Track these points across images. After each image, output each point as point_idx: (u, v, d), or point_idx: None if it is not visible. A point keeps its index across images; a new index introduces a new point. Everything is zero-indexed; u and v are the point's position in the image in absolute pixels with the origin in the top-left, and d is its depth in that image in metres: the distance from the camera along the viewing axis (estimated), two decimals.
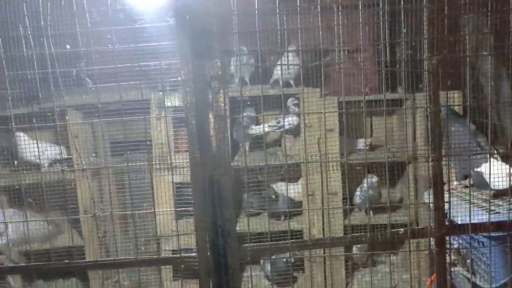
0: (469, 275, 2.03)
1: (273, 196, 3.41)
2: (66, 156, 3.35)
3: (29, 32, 1.58)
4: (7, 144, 3.33)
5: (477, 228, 1.68)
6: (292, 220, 3.32)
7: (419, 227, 1.72)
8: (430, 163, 1.60)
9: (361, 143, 3.55)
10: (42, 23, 1.57)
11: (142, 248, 3.73)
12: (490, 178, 2.05)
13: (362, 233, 1.71)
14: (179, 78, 1.60)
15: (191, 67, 1.57)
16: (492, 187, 2.05)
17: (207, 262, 1.63)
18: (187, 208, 3.16)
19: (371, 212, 3.22)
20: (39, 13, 1.56)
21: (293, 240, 1.72)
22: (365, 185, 3.28)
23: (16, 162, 3.21)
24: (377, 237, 1.66)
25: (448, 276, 2.05)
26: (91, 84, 1.75)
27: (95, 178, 3.43)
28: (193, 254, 1.66)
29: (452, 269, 2.20)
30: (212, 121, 1.60)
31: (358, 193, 3.36)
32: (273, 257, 3.26)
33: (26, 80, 1.70)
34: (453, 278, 2.21)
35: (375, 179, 3.22)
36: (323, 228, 3.29)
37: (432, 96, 1.60)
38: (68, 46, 1.69)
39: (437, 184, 1.61)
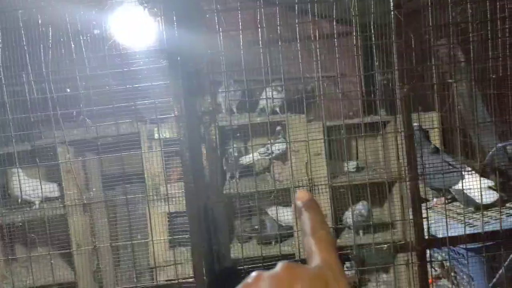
0: None
1: (261, 223, 3.49)
2: (58, 194, 3.43)
3: (32, 78, 1.70)
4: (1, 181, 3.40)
5: (455, 241, 1.80)
6: (284, 244, 3.41)
7: (400, 242, 1.85)
8: (408, 183, 1.74)
9: (347, 166, 3.70)
10: (43, 69, 1.70)
11: (135, 280, 3.78)
12: (471, 193, 2.20)
13: (349, 251, 1.82)
14: (173, 115, 1.73)
15: (184, 104, 1.70)
16: (478, 201, 2.18)
17: (203, 285, 1.72)
18: (183, 236, 3.26)
19: (361, 232, 3.33)
20: (41, 61, 1.69)
21: (284, 254, 1.81)
22: (356, 210, 3.35)
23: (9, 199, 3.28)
24: (363, 254, 1.78)
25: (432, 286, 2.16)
26: (90, 123, 1.86)
27: (87, 213, 3.50)
28: (191, 280, 1.75)
29: (438, 282, 2.32)
30: (205, 152, 1.73)
31: (346, 213, 3.47)
32: None
33: (27, 122, 1.80)
34: None
35: (365, 207, 3.28)
36: None
37: (405, 121, 1.75)
38: (68, 90, 1.82)
39: (415, 202, 1.74)
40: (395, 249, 1.78)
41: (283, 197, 3.53)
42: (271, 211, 3.54)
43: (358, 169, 3.74)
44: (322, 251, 0.53)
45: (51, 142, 3.06)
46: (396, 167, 3.35)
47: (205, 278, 1.73)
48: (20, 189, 2.32)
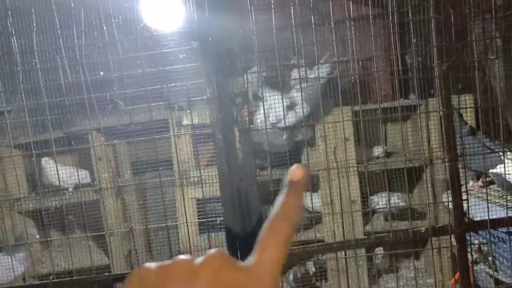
0: (491, 272, 2.08)
1: None
2: (89, 180, 3.50)
3: (66, 62, 1.72)
4: (33, 169, 3.49)
5: (496, 223, 1.74)
6: (313, 230, 3.39)
7: (439, 225, 1.80)
8: (447, 164, 1.68)
9: (377, 151, 3.63)
10: (77, 53, 1.71)
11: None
12: (511, 177, 2.12)
13: (385, 234, 1.78)
14: (205, 97, 1.72)
15: (216, 85, 1.69)
16: None
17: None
18: (214, 220, 3.28)
19: (392, 219, 3.28)
20: (75, 44, 1.70)
21: (319, 243, 1.80)
22: (392, 202, 3.29)
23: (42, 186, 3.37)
24: (400, 237, 1.74)
25: (471, 274, 2.10)
26: (123, 106, 1.87)
27: (119, 198, 3.56)
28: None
29: (475, 267, 2.25)
30: (237, 134, 1.71)
31: (375, 199, 3.41)
32: (296, 266, 3.34)
33: (62, 107, 1.83)
34: (476, 276, 2.26)
35: (400, 198, 3.21)
36: (344, 235, 3.35)
37: (443, 100, 1.69)
38: (101, 73, 1.83)
39: (454, 183, 1.69)
40: (434, 233, 1.73)
41: (312, 182, 3.50)
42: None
43: (387, 154, 3.67)
44: (268, 248, 0.46)
45: (84, 129, 3.13)
46: (427, 152, 3.28)
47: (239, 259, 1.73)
48: (58, 175, 2.37)
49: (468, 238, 2.15)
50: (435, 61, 1.65)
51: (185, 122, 3.44)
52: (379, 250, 3.41)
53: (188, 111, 2.67)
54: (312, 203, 3.46)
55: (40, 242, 3.55)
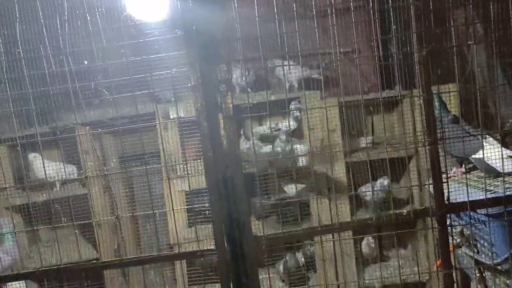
0: (474, 255, 2.13)
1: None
2: (76, 176, 3.50)
3: (50, 51, 1.72)
4: (19, 164, 3.47)
5: (475, 205, 1.79)
6: (301, 222, 3.42)
7: (421, 208, 1.84)
8: (427, 147, 1.72)
9: (363, 141, 3.67)
10: (61, 42, 1.71)
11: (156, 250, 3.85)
12: (492, 162, 2.17)
13: (369, 216, 1.82)
14: (189, 84, 1.74)
15: (200, 73, 1.70)
16: (498, 170, 2.16)
17: (225, 254, 1.74)
18: (202, 205, 3.29)
19: (378, 209, 3.32)
20: (58, 34, 1.70)
21: (304, 227, 1.82)
22: (377, 185, 3.33)
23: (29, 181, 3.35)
24: (383, 220, 1.77)
25: (453, 256, 2.15)
26: (108, 95, 1.87)
27: (106, 192, 3.56)
28: (212, 247, 1.77)
29: (458, 251, 2.30)
30: (222, 121, 1.73)
31: (363, 188, 3.45)
32: (285, 257, 3.37)
33: (45, 97, 1.83)
34: (458, 259, 2.31)
35: (386, 181, 3.26)
36: (333, 236, 3.39)
37: (424, 85, 1.73)
38: (85, 62, 1.84)
39: (435, 166, 1.72)
40: (415, 215, 1.77)
41: (301, 174, 3.53)
42: (289, 189, 3.53)
43: (374, 144, 3.72)
44: None
45: (70, 123, 3.13)
46: (412, 141, 3.33)
47: (226, 246, 1.75)
48: (45, 171, 2.37)
49: (449, 221, 2.20)
50: (415, 47, 1.68)
51: (172, 115, 3.45)
52: (367, 239, 3.46)
53: (173, 102, 2.68)
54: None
55: (27, 237, 3.55)
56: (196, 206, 3.32)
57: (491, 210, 1.85)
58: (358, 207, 3.53)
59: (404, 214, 1.77)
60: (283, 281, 3.48)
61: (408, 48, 1.74)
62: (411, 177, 3.35)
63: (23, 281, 2.58)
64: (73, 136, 3.20)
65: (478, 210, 1.94)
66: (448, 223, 1.76)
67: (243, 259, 1.73)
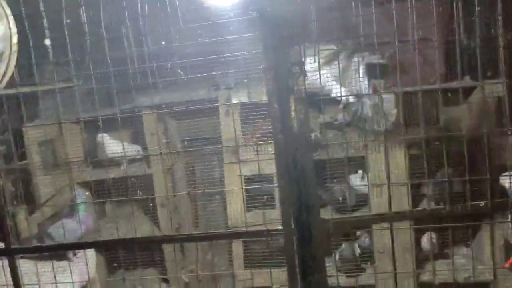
0: None
1: (340, 198, 3.45)
2: (141, 156, 3.65)
3: (130, 32, 1.80)
4: (92, 144, 3.68)
5: None
6: (361, 210, 3.36)
7: (499, 200, 1.75)
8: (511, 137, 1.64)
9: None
10: (140, 23, 1.79)
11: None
12: None
13: (442, 206, 1.76)
14: (261, 66, 1.76)
15: (273, 55, 1.72)
16: None
17: (291, 235, 1.76)
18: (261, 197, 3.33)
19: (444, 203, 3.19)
20: (138, 15, 1.78)
21: (373, 213, 1.80)
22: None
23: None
24: (457, 210, 1.71)
25: None
26: (183, 75, 1.94)
27: (169, 173, 3.69)
28: (279, 227, 1.79)
29: None
30: (293, 103, 1.74)
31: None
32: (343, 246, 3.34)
33: (125, 75, 1.91)
34: None
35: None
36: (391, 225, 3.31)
37: (508, 71, 1.64)
38: (163, 43, 1.90)
39: None
40: (493, 207, 1.69)
41: (360, 166, 3.47)
42: (353, 178, 3.47)
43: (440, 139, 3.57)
44: None
45: (139, 105, 3.27)
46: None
47: (293, 227, 1.76)
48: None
49: None
50: (500, 30, 1.59)
51: (234, 100, 3.50)
52: (428, 234, 3.34)
53: (236, 88, 2.71)
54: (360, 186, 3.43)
55: (95, 212, 3.75)
56: (256, 191, 3.39)
57: None
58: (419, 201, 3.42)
59: (481, 205, 1.69)
60: (338, 270, 3.45)
61: (493, 31, 1.65)
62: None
63: (93, 250, 2.74)
64: (140, 117, 3.37)
65: None
66: None
67: (310, 242, 1.74)
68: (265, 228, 1.82)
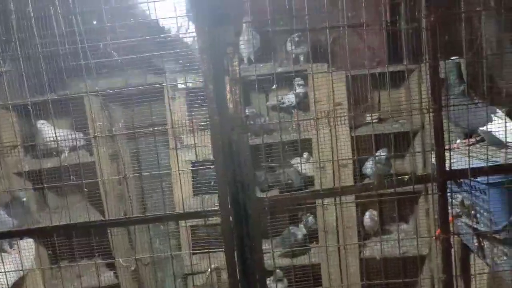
0: (473, 225, 2.16)
1: (289, 181, 3.52)
2: (84, 143, 3.55)
3: (59, 11, 1.74)
4: (30, 132, 3.53)
5: (476, 173, 1.81)
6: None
7: (422, 174, 1.87)
8: (431, 114, 1.74)
9: (369, 117, 3.67)
10: (70, 2, 1.73)
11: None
12: (499, 135, 2.18)
13: (371, 181, 1.85)
14: (196, 47, 1.75)
15: (207, 35, 1.72)
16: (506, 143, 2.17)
17: (228, 214, 1.79)
18: (208, 182, 3.33)
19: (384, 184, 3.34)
20: None
21: (307, 190, 1.86)
22: (376, 157, 3.35)
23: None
24: (384, 184, 1.80)
25: (452, 225, 2.19)
26: (117, 56, 1.90)
27: (114, 162, 3.61)
28: (216, 208, 1.81)
29: (458, 222, 2.34)
30: (228, 84, 1.75)
31: (369, 164, 3.47)
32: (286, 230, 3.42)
33: (55, 57, 1.85)
34: (458, 230, 2.34)
35: (384, 153, 3.27)
36: (335, 200, 3.43)
37: (431, 51, 1.73)
38: (94, 22, 1.85)
39: (438, 133, 1.74)
40: (416, 181, 1.80)
41: (306, 148, 3.55)
42: (295, 162, 3.55)
43: (381, 120, 3.72)
44: None
45: (78, 91, 3.17)
46: (419, 117, 3.33)
47: (230, 207, 1.79)
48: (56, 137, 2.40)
49: (452, 193, 2.23)
50: (423, 13, 1.68)
51: (180, 85, 3.47)
52: (370, 212, 3.50)
53: (180, 73, 2.69)
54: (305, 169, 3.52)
55: (36, 203, 3.63)
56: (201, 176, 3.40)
57: (491, 178, 1.87)
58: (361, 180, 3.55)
59: (405, 180, 1.79)
60: (285, 253, 3.53)
61: (417, 14, 1.73)
62: (415, 151, 3.37)
63: (31, 240, 2.65)
64: (82, 103, 3.26)
65: (478, 179, 1.96)
66: (448, 190, 1.79)
67: (246, 221, 1.78)
68: (202, 209, 1.84)
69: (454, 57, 2.17)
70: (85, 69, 1.80)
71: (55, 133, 2.82)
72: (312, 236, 3.55)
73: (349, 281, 3.44)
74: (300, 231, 3.45)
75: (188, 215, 1.94)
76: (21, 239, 2.94)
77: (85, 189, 2.03)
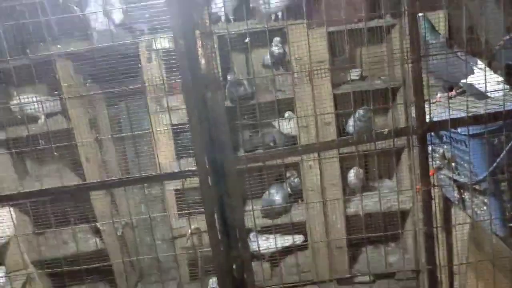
0: (454, 177, 2.17)
1: (271, 143, 3.47)
2: (59, 109, 3.46)
3: None
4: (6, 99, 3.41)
5: (456, 123, 1.78)
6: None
7: (401, 127, 1.83)
8: (410, 65, 1.69)
9: (352, 74, 3.61)
10: None
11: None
12: (480, 87, 2.15)
13: (349, 136, 1.81)
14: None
15: None
16: (488, 95, 2.14)
17: (206, 174, 1.75)
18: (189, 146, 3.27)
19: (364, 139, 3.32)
20: None
21: (285, 147, 1.82)
22: (356, 114, 3.31)
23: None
24: (363, 138, 1.77)
25: (434, 178, 2.19)
26: (78, 11, 1.79)
27: (93, 128, 3.53)
28: (194, 168, 1.77)
29: (439, 174, 2.34)
30: (199, 39, 1.67)
31: (351, 122, 3.44)
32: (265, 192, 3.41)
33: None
34: (440, 182, 2.35)
35: (363, 111, 3.22)
36: (319, 162, 3.41)
37: (409, 2, 1.66)
38: None
39: (417, 84, 1.70)
40: (396, 133, 1.77)
41: (288, 108, 3.50)
42: (277, 123, 3.50)
43: (362, 77, 3.66)
44: None
45: (49, 54, 3.04)
46: (400, 75, 3.28)
47: (207, 167, 1.75)
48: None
49: (432, 146, 2.22)
50: None
51: (155, 47, 3.35)
52: (354, 169, 3.49)
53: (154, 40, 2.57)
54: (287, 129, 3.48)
55: (16, 172, 3.56)
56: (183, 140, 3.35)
57: (471, 129, 1.85)
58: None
59: (385, 133, 1.76)
60: (267, 212, 3.52)
61: None
62: (397, 108, 3.35)
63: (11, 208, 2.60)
64: (54, 68, 3.15)
65: (459, 130, 1.94)
66: (428, 142, 1.77)
67: (224, 180, 1.74)
68: (180, 170, 1.80)
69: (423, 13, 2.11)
70: (45, 28, 1.69)
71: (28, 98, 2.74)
72: (297, 196, 3.56)
73: (334, 237, 3.49)
74: (283, 191, 3.45)
75: (167, 176, 1.90)
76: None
77: (56, 153, 1.95)
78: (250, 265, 1.77)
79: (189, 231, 2.21)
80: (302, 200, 3.53)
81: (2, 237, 2.43)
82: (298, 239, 3.46)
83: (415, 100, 1.71)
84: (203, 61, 1.69)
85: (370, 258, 3.33)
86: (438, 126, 1.79)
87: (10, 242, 2.54)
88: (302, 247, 3.48)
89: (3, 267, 2.45)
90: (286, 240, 3.39)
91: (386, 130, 1.77)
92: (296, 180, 3.46)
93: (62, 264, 2.37)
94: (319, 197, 3.41)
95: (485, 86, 2.14)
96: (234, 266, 1.70)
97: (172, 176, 1.90)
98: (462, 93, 2.49)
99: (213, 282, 3.07)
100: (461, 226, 2.40)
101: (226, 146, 1.73)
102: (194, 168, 1.77)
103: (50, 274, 3.03)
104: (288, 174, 3.52)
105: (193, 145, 1.75)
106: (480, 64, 2.35)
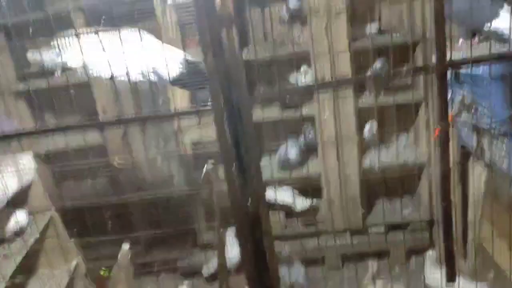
0: (472, 121, 2.13)
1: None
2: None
3: None
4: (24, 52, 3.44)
5: (477, 61, 1.73)
6: (304, 107, 3.40)
7: (421, 66, 1.79)
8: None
9: (370, 28, 3.50)
10: None
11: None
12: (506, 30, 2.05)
13: (366, 76, 1.78)
14: None
15: None
16: None
17: (221, 111, 1.74)
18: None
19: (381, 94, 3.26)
20: None
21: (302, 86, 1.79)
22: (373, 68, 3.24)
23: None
24: (381, 78, 1.74)
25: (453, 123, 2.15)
26: None
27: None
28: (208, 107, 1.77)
29: (458, 120, 2.30)
30: None
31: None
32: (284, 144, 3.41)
33: None
34: (458, 127, 2.31)
35: (381, 63, 3.14)
36: (334, 111, 3.37)
37: None
38: None
39: (438, 19, 1.64)
40: (415, 71, 1.73)
41: (304, 62, 3.43)
42: (293, 77, 3.45)
43: (381, 31, 3.55)
44: None
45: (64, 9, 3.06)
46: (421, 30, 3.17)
47: (222, 101, 1.73)
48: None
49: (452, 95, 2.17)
50: None
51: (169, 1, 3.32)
52: (370, 124, 3.45)
53: None
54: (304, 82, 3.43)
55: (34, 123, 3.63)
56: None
57: (493, 71, 1.80)
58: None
59: (404, 71, 1.72)
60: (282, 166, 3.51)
61: None
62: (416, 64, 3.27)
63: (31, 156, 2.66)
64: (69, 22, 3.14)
65: (480, 71, 1.89)
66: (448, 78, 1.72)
67: (240, 118, 1.74)
68: (195, 109, 1.81)
69: None
70: None
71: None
72: (312, 149, 3.55)
73: (349, 192, 3.51)
74: (298, 144, 3.46)
75: (181, 114, 1.91)
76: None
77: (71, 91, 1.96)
78: (265, 200, 1.79)
79: (204, 169, 2.24)
80: (317, 155, 3.52)
81: (25, 180, 2.52)
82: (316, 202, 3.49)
83: (435, 39, 1.66)
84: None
85: (385, 209, 3.36)
86: (458, 63, 1.74)
87: (32, 186, 2.62)
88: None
89: (25, 210, 2.54)
90: (303, 202, 3.44)
91: (405, 68, 1.72)
92: (312, 133, 3.46)
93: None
94: (334, 151, 3.40)
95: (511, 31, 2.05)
96: (249, 201, 1.72)
97: (187, 113, 1.91)
98: (485, 39, 2.41)
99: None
100: (478, 177, 2.39)
101: (242, 84, 1.72)
102: (209, 108, 1.77)
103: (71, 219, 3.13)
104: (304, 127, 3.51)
105: (209, 82, 1.74)
106: (507, 7, 2.26)
